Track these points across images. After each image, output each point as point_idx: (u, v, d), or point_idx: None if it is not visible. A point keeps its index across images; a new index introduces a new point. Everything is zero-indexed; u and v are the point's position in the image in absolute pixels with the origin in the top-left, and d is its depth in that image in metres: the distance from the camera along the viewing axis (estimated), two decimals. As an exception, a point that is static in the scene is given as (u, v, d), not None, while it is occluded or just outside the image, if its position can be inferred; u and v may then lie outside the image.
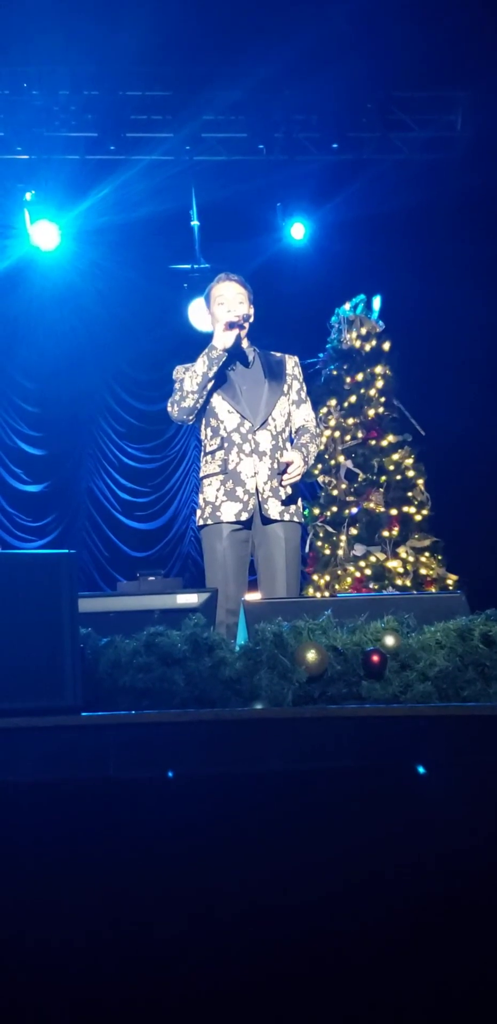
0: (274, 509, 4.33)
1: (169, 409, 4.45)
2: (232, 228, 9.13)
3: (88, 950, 2.07)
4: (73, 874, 2.13)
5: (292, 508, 4.38)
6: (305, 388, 4.63)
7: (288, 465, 4.31)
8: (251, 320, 4.51)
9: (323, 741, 2.37)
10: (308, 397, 4.64)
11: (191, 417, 4.45)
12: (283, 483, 4.32)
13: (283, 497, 4.35)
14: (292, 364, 4.60)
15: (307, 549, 8.18)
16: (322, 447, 8.15)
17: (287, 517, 4.36)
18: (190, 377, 4.37)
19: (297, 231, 9.38)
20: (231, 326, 4.36)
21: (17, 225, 8.87)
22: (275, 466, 4.36)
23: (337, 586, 7.81)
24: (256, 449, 4.36)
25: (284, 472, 4.32)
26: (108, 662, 2.66)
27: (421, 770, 2.19)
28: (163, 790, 2.22)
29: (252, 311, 4.50)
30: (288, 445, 4.49)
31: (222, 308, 4.47)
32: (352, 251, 9.06)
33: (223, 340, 4.36)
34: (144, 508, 10.82)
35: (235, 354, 4.48)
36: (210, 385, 4.38)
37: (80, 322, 9.89)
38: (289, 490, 4.37)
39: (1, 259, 9.11)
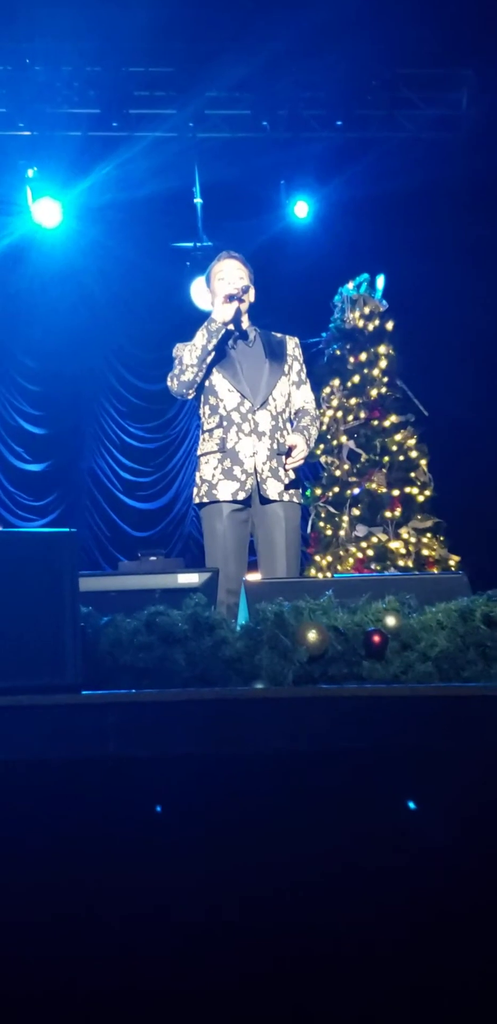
0: (273, 489, 4.33)
1: (169, 383, 4.45)
2: (235, 206, 9.10)
3: (87, 932, 2.08)
4: (73, 853, 2.13)
5: (292, 488, 4.38)
6: (305, 370, 4.62)
7: (291, 449, 4.31)
8: (252, 299, 4.50)
9: (324, 720, 2.37)
10: (308, 379, 4.64)
11: (191, 392, 4.44)
12: (286, 467, 4.32)
13: (283, 478, 4.35)
14: (293, 345, 4.60)
15: (309, 530, 8.19)
16: (324, 427, 8.15)
17: (287, 497, 4.36)
18: (189, 351, 4.37)
19: (301, 209, 9.35)
20: (230, 299, 4.35)
21: (19, 202, 8.85)
22: (274, 446, 4.35)
23: (339, 567, 7.81)
24: (255, 429, 4.35)
25: (288, 455, 4.32)
26: (109, 641, 2.66)
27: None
28: (163, 769, 2.22)
29: (253, 290, 4.49)
30: (288, 426, 4.48)
31: (222, 283, 4.47)
32: (356, 230, 9.03)
33: (222, 313, 4.35)
34: (145, 488, 10.82)
35: (235, 331, 4.47)
36: (209, 359, 4.37)
37: (82, 300, 9.88)
38: (292, 474, 4.37)
39: (3, 236, 9.08)
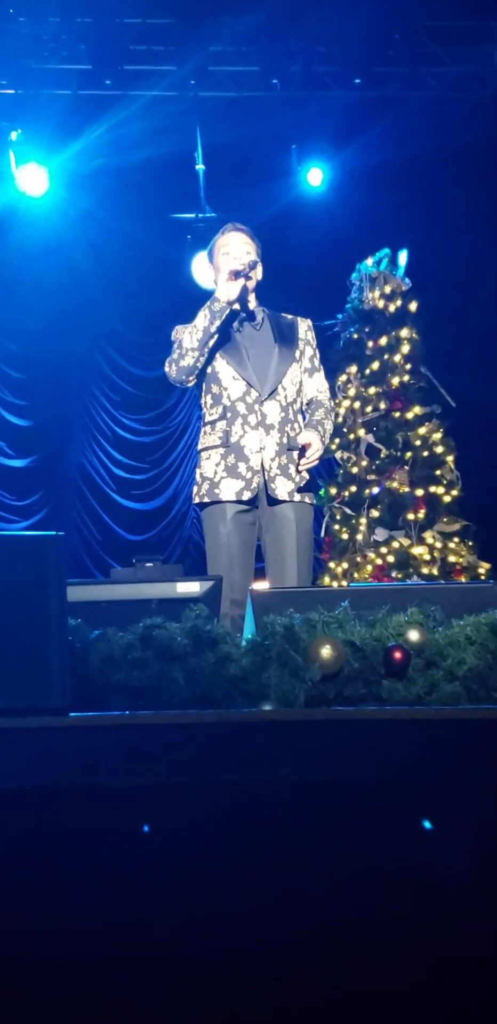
0: (283, 488, 4.32)
1: (167, 369, 4.45)
2: (242, 173, 9.10)
3: (74, 975, 2.08)
4: (59, 892, 2.14)
5: (304, 487, 4.38)
6: (319, 355, 4.62)
7: (304, 448, 4.30)
8: (259, 277, 4.49)
9: (339, 747, 2.37)
10: (322, 366, 4.63)
11: (191, 378, 4.44)
12: (300, 468, 4.32)
13: (294, 476, 4.34)
14: (305, 328, 4.59)
15: (323, 533, 8.18)
16: (340, 419, 8.14)
17: (298, 497, 4.35)
18: (190, 333, 4.36)
19: (314, 177, 9.34)
20: (236, 275, 4.34)
21: (1, 168, 8.86)
22: (284, 441, 4.35)
23: (356, 574, 7.80)
24: (263, 421, 4.34)
25: (301, 455, 4.31)
26: (100, 657, 2.67)
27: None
28: (160, 800, 2.23)
29: (261, 267, 4.49)
30: (299, 419, 4.48)
31: (227, 259, 4.46)
32: (376, 200, 9.02)
33: (227, 291, 4.34)
34: (141, 486, 10.82)
35: (241, 312, 4.47)
36: (212, 343, 4.37)
37: (71, 277, 9.88)
38: (305, 474, 4.37)
39: (-17, 206, 9.10)
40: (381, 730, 2.38)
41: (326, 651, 2.68)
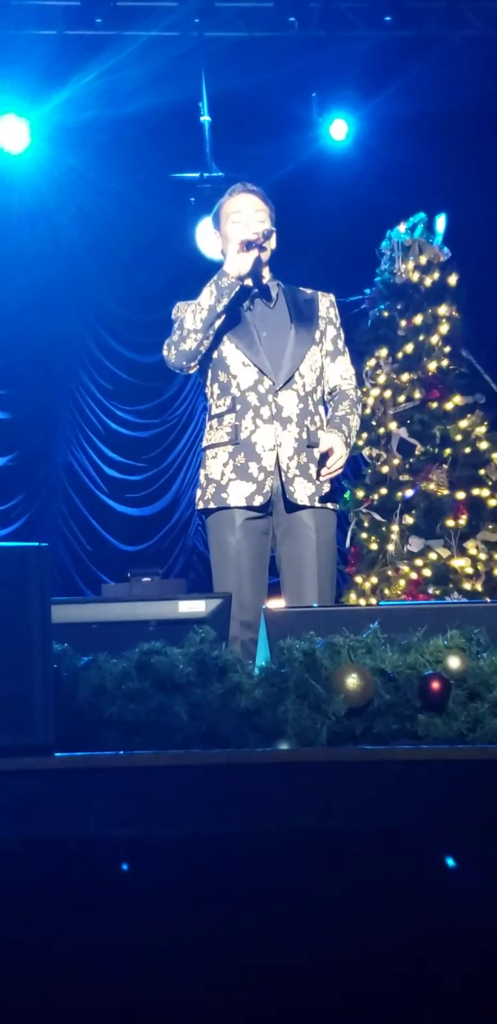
0: (301, 492, 4.31)
1: (165, 352, 4.44)
2: (253, 126, 9.12)
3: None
4: (41, 959, 2.14)
5: (326, 490, 4.36)
6: (343, 336, 4.61)
7: (326, 455, 4.28)
8: (274, 246, 4.49)
9: (368, 792, 2.37)
10: (347, 348, 4.62)
11: (193, 364, 4.43)
12: (321, 478, 4.31)
13: (315, 478, 4.33)
14: (327, 304, 4.58)
15: (348, 543, 8.18)
16: (369, 411, 8.14)
17: (319, 502, 4.35)
18: (193, 312, 4.35)
19: (338, 130, 9.36)
20: (248, 246, 4.33)
21: (-25, 121, 8.90)
22: (303, 436, 4.33)
23: (387, 591, 7.80)
24: (278, 414, 4.33)
25: (321, 463, 4.29)
26: (90, 688, 2.67)
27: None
28: (158, 855, 2.22)
29: (275, 235, 4.48)
30: (320, 411, 4.46)
31: (236, 226, 4.45)
32: (409, 157, 9.03)
33: (237, 264, 4.32)
34: (137, 488, 10.84)
35: (252, 288, 4.47)
36: (218, 323, 4.36)
37: (55, 247, 9.91)
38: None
39: (-46, 165, 9.14)
40: (417, 773, 2.37)
41: (352, 681, 2.67)
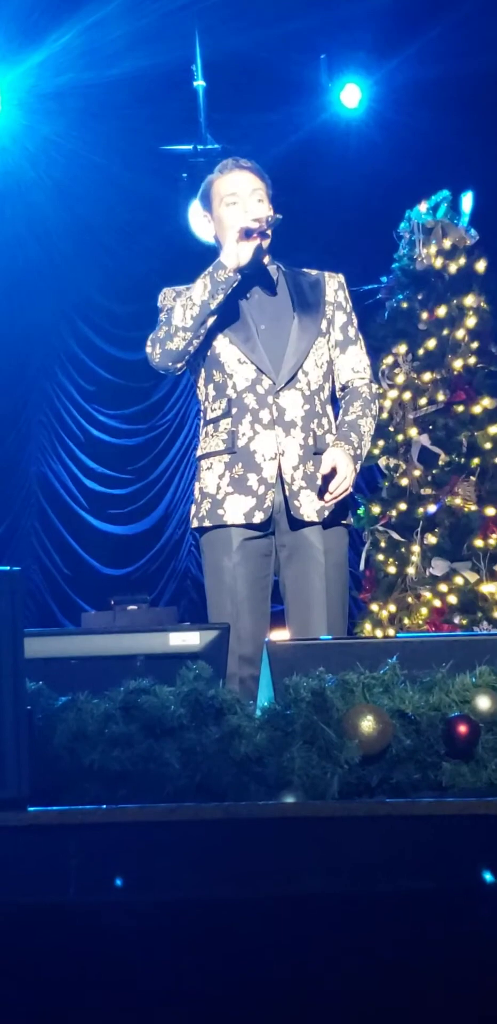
0: (308, 506, 4.30)
1: (149, 350, 4.41)
2: (253, 92, 9.14)
3: None
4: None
5: (336, 505, 4.36)
6: (355, 321, 4.59)
7: (329, 476, 4.25)
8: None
9: (386, 851, 2.37)
10: (360, 336, 4.61)
11: (179, 364, 4.41)
12: (325, 502, 4.28)
13: (319, 497, 4.31)
14: (334, 287, 4.57)
15: (362, 566, 8.17)
16: (386, 415, 8.14)
17: (328, 518, 4.34)
18: (183, 306, 4.32)
19: (350, 96, 9.38)
20: (248, 234, 4.32)
21: None
22: (309, 442, 4.32)
23: (407, 620, 7.79)
24: (280, 418, 4.33)
25: (326, 482, 4.26)
26: (68, 732, 2.67)
27: (489, 878, 2.19)
28: (147, 921, 2.22)
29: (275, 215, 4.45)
30: (329, 412, 4.46)
31: (234, 209, 4.44)
32: (431, 126, 9.04)
33: (236, 255, 4.30)
34: (122, 503, 10.85)
35: (251, 276, 4.46)
36: (211, 321, 4.35)
37: (29, 228, 9.92)
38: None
39: None
40: (442, 828, 2.37)
41: (368, 724, 2.67)
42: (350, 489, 4.29)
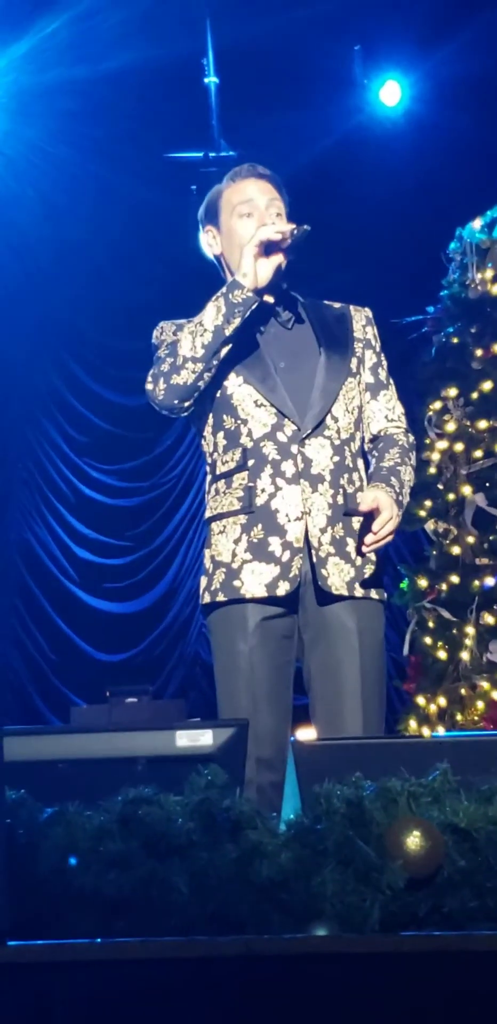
0: (337, 577, 4.29)
1: (150, 388, 4.40)
2: (275, 91, 9.20)
3: None
4: None
5: (370, 574, 4.35)
6: (385, 363, 4.61)
7: (370, 515, 4.25)
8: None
9: (436, 993, 2.35)
10: (391, 379, 4.62)
11: (187, 403, 4.41)
12: (365, 548, 4.27)
13: (356, 559, 4.31)
14: (362, 321, 4.60)
15: (406, 650, 8.16)
16: (433, 469, 8.15)
17: (361, 591, 4.32)
18: (192, 333, 4.32)
19: (389, 94, 9.44)
20: (268, 250, 4.34)
21: None
22: (339, 500, 4.32)
23: (460, 716, 7.78)
24: (306, 470, 4.33)
25: (365, 529, 4.26)
26: (56, 851, 2.66)
27: None
28: None
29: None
30: (360, 465, 4.46)
31: (249, 222, 4.47)
32: (484, 130, 9.09)
33: (254, 272, 4.32)
34: (119, 576, 10.87)
35: (267, 304, 4.47)
36: (225, 352, 4.35)
37: (10, 250, 9.99)
38: (373, 556, 4.33)
39: None
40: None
41: (414, 841, 2.66)
42: (393, 535, 4.28)
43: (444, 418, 8.27)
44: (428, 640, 8.06)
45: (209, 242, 4.69)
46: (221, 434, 4.43)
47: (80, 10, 8.71)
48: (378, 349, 4.59)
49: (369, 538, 4.21)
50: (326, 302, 4.61)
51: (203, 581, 4.43)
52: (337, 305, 4.61)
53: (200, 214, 4.72)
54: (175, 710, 8.90)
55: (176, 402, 4.37)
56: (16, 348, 10.39)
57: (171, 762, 3.07)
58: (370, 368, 4.54)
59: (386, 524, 4.19)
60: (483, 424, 8.19)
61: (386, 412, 4.53)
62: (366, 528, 4.23)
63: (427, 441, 8.07)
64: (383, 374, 4.57)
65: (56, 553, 10.80)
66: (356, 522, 4.30)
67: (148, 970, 2.35)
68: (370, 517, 4.21)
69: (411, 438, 4.58)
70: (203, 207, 4.64)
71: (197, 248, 9.21)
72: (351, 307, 4.60)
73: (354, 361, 4.49)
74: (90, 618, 10.74)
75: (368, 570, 4.32)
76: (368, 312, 4.63)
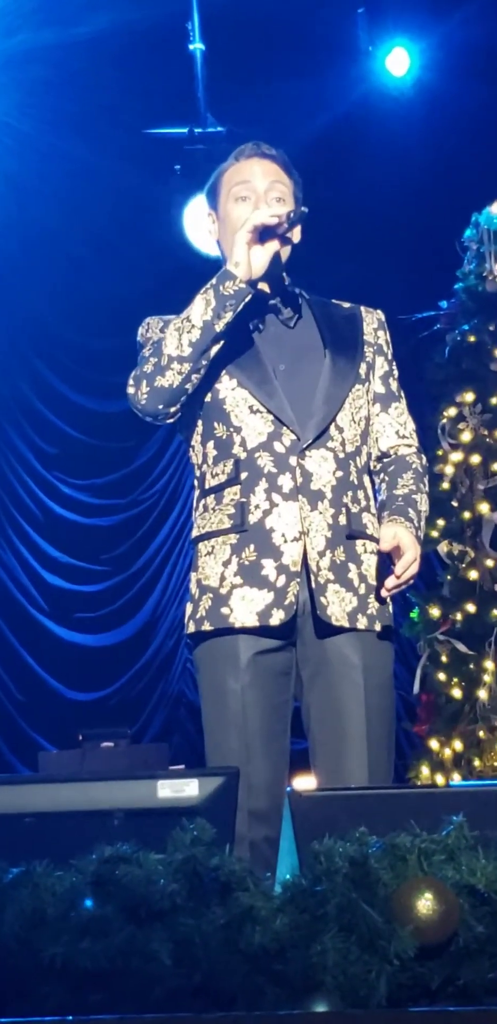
0: (338, 606, 4.28)
1: (131, 392, 4.40)
2: (269, 59, 9.22)
3: None
4: None
5: (375, 603, 4.35)
6: (396, 374, 4.62)
7: (391, 556, 4.26)
8: (298, 238, 4.49)
9: None
10: (403, 392, 4.62)
11: (173, 408, 4.40)
12: (386, 592, 4.27)
13: (359, 587, 4.31)
14: (373, 324, 4.61)
15: (417, 688, 8.16)
16: (446, 485, 8.16)
17: (364, 623, 4.32)
18: (179, 330, 4.31)
19: (397, 63, 9.46)
20: (263, 236, 4.34)
21: None
22: (341, 521, 4.32)
23: (477, 761, 7.78)
24: (305, 485, 4.32)
25: (386, 571, 4.26)
26: (22, 916, 2.66)
27: None
28: None
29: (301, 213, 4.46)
30: (367, 483, 4.47)
31: (245, 204, 4.48)
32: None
33: (247, 261, 4.31)
34: (94, 604, 10.88)
35: (265, 298, 4.48)
36: (215, 351, 4.35)
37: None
38: (375, 581, 4.33)
39: None
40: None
41: (426, 904, 2.66)
42: (413, 578, 4.29)
43: (459, 426, 8.28)
44: (441, 676, 8.06)
45: (209, 228, 4.68)
46: (211, 443, 4.42)
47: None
48: (390, 356, 4.59)
49: (390, 581, 4.23)
50: (334, 301, 4.62)
51: (188, 608, 4.42)
52: (346, 305, 4.62)
53: (203, 197, 4.71)
54: (156, 756, 8.89)
55: (161, 407, 4.36)
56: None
57: (152, 815, 3.07)
58: (381, 377, 4.54)
59: (410, 567, 4.21)
60: (502, 434, 8.22)
61: (397, 427, 4.53)
62: (384, 567, 4.24)
63: (440, 453, 8.09)
64: (394, 385, 4.58)
65: (23, 579, 10.80)
66: (360, 546, 4.30)
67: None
68: (390, 556, 4.23)
69: (424, 460, 4.60)
70: (205, 190, 4.65)
71: (182, 234, 9.26)
72: (362, 308, 4.61)
73: (363, 366, 4.49)
74: (61, 652, 10.73)
75: (373, 599, 4.31)
76: (380, 315, 4.64)
